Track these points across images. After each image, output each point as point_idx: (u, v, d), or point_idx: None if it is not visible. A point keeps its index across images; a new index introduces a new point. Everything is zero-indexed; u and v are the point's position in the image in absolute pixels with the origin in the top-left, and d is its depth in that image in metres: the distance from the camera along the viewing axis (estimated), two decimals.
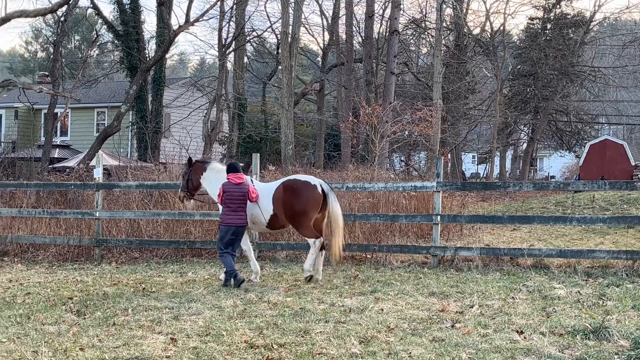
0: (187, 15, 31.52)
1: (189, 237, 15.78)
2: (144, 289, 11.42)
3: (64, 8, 30.23)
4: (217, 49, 41.20)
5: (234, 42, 40.39)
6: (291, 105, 29.70)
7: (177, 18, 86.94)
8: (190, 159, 13.09)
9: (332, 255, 11.86)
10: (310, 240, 11.61)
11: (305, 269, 11.68)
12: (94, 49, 45.56)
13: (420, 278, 11.74)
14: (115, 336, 8.00)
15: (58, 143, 41.60)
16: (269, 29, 45.79)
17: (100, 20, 39.53)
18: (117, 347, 7.53)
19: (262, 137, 43.29)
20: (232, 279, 11.28)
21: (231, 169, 11.77)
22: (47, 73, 44.25)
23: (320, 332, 7.96)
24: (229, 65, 43.23)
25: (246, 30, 42.86)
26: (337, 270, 12.82)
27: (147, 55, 37.40)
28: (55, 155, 37.93)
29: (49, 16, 39.88)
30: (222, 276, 11.65)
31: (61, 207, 19.25)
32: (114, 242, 15.80)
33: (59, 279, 12.91)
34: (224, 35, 39.89)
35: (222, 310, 9.29)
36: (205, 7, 60.02)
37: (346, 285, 11.16)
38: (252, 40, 46.97)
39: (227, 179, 11.62)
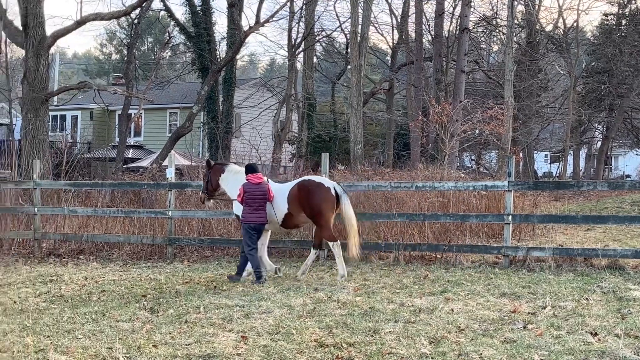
0: (257, 16, 31.84)
1: None
2: (215, 287, 11.59)
3: (137, 11, 30.85)
4: (286, 49, 41.44)
5: (303, 42, 40.53)
6: (360, 104, 29.68)
7: (247, 19, 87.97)
8: (209, 162, 13.59)
9: (350, 255, 12.05)
10: (331, 243, 11.97)
11: (340, 274, 11.92)
12: (167, 51, 46.31)
13: (491, 278, 11.61)
14: (188, 333, 8.12)
15: (132, 143, 42.45)
16: (338, 29, 45.84)
17: (172, 22, 40.31)
18: (189, 344, 7.65)
19: (331, 136, 43.30)
20: (258, 278, 11.77)
21: (250, 169, 12.20)
22: (121, 75, 45.24)
23: (389, 331, 7.94)
24: (299, 65, 43.39)
25: (315, 30, 42.96)
26: (407, 270, 12.79)
27: (218, 57, 37.80)
28: (129, 156, 38.73)
29: (122, 19, 40.73)
30: (252, 277, 12.04)
31: (135, 206, 19.62)
32: (186, 241, 16.05)
33: (132, 277, 13.18)
34: (293, 35, 40.11)
35: (291, 308, 9.34)
36: (275, 7, 60.38)
37: (416, 285, 11.11)
38: (321, 40, 47.04)
39: (247, 179, 12.01)
